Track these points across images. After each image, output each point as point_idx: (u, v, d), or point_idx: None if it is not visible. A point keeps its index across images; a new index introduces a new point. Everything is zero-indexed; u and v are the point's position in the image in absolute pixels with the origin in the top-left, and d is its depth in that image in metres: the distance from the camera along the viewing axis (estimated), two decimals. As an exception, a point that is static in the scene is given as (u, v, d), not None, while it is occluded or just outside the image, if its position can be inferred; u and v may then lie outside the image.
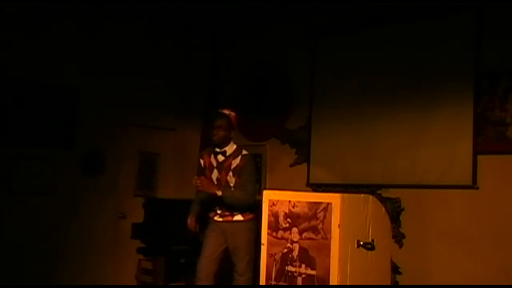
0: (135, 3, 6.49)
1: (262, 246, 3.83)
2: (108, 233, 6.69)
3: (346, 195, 3.50)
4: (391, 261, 4.08)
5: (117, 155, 6.80)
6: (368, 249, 3.57)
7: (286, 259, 3.67)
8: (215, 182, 4.96)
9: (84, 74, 6.45)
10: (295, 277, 3.62)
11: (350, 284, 3.46)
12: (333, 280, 3.40)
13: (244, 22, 7.27)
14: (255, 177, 5.04)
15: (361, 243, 3.54)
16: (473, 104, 5.39)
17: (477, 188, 5.30)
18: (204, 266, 4.95)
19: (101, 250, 6.59)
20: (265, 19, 7.06)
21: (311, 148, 6.58)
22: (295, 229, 3.64)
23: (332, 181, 6.32)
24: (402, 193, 5.78)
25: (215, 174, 5.01)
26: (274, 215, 3.77)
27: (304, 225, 3.58)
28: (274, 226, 3.76)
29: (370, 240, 3.59)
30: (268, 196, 3.84)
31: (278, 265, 3.72)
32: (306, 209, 3.59)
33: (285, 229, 3.70)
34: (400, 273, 5.62)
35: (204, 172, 5.07)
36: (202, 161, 5.15)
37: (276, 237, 3.74)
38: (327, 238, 3.45)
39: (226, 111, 5.07)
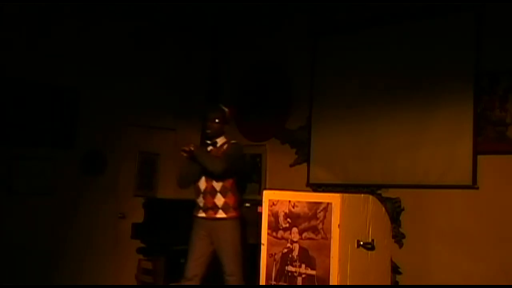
0: (135, 3, 6.49)
1: (262, 246, 3.83)
2: (108, 233, 6.69)
3: (346, 195, 3.50)
4: (391, 261, 4.08)
5: (117, 155, 6.80)
6: (368, 249, 3.57)
7: (286, 259, 3.67)
8: None
9: (84, 74, 6.45)
10: (295, 277, 3.62)
11: (350, 284, 3.46)
12: (333, 280, 3.40)
13: (244, 22, 7.27)
14: (235, 161, 5.04)
15: (361, 243, 3.54)
16: (473, 104, 5.39)
17: (477, 188, 5.31)
18: (191, 267, 5.00)
19: (101, 250, 6.59)
20: (265, 19, 7.06)
21: (311, 148, 6.59)
22: (295, 229, 3.64)
23: (332, 181, 6.32)
24: (402, 193, 5.78)
25: None
26: (274, 215, 3.77)
27: (304, 225, 3.58)
28: (274, 226, 3.76)
29: (370, 240, 3.59)
30: (268, 196, 3.84)
31: (278, 265, 3.72)
32: (306, 209, 3.59)
33: (285, 229, 3.70)
34: (400, 273, 5.62)
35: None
36: None
37: (276, 237, 3.74)
38: (327, 238, 3.45)
39: (222, 106, 5.18)
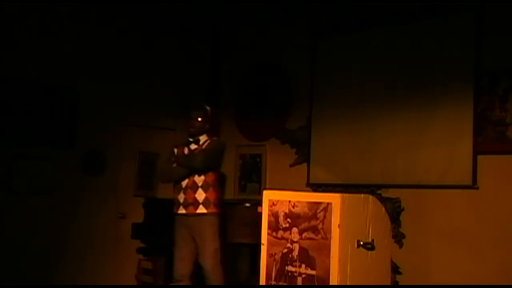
0: (135, 3, 6.49)
1: (262, 246, 3.83)
2: (108, 233, 6.69)
3: (346, 195, 3.50)
4: (391, 261, 4.08)
5: (117, 155, 6.80)
6: (368, 249, 3.57)
7: (286, 259, 3.68)
8: None
9: (84, 74, 6.45)
10: (295, 277, 3.62)
11: (350, 284, 3.46)
12: (333, 280, 3.41)
13: (244, 22, 7.27)
14: (216, 156, 5.18)
15: (361, 243, 3.54)
16: (473, 104, 5.39)
17: (477, 188, 5.31)
18: (178, 268, 5.10)
19: (101, 250, 6.58)
20: (265, 19, 7.06)
21: (311, 148, 6.59)
22: (295, 229, 3.64)
23: (332, 181, 6.32)
24: (402, 193, 5.79)
25: None
26: (274, 215, 3.77)
27: (304, 225, 3.59)
28: (274, 226, 3.76)
29: (370, 240, 3.59)
30: (268, 196, 3.84)
31: (278, 265, 3.72)
32: (306, 209, 3.59)
33: (285, 229, 3.70)
34: (400, 273, 5.62)
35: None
36: (176, 150, 5.35)
37: (276, 237, 3.75)
38: (327, 238, 3.45)
39: (205, 105, 5.40)
